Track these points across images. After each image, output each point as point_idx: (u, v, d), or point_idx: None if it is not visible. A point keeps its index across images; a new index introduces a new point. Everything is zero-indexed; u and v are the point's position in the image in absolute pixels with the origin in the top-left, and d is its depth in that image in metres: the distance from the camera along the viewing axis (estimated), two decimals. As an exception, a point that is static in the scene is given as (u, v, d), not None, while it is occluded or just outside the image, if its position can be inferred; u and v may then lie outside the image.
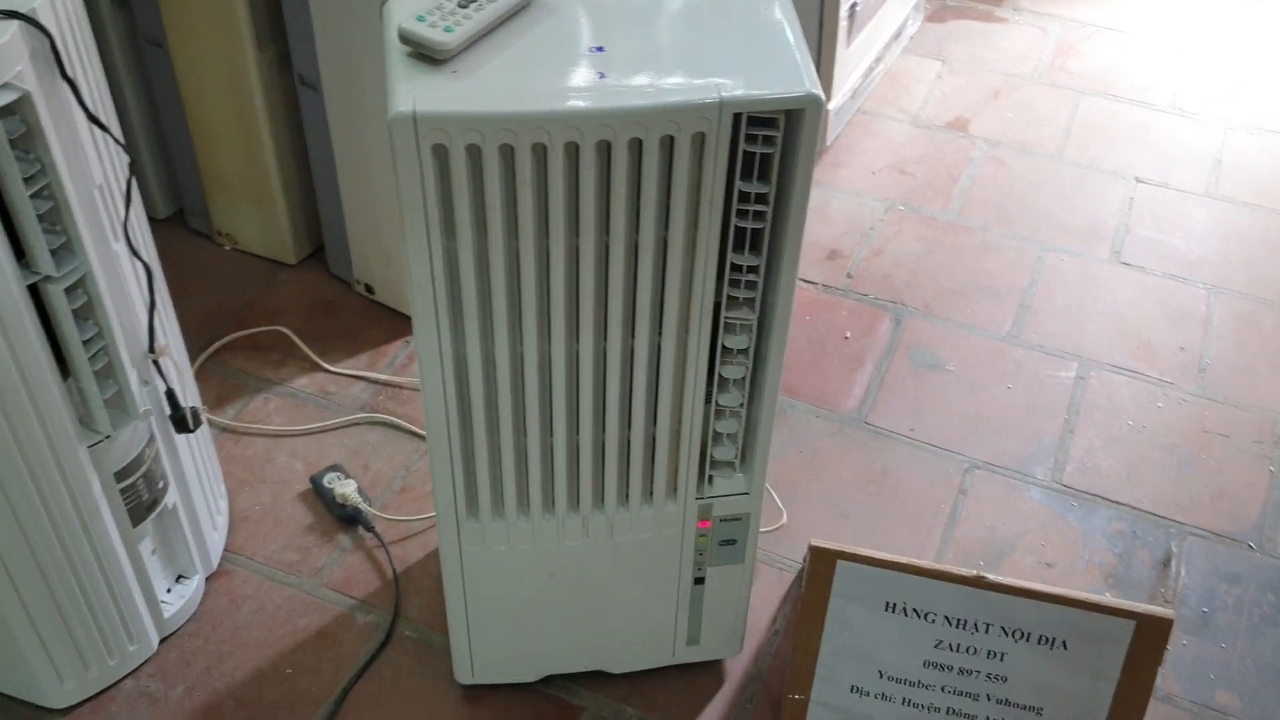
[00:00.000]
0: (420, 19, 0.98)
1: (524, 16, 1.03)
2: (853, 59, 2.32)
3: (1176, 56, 2.70)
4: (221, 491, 1.67)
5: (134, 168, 1.23)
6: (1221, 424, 1.87)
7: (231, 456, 1.77)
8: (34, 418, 1.19)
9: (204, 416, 1.52)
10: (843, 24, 2.16)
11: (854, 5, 2.18)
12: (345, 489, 1.68)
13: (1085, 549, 1.68)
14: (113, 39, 1.93)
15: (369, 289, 2.03)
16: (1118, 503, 1.75)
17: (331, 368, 1.92)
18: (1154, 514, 1.73)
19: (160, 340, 1.34)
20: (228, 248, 2.13)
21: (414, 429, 1.82)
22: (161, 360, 1.34)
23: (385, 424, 1.83)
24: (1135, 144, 2.43)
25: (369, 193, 1.88)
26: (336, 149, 1.87)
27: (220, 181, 2.04)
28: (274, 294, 2.06)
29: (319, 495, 1.71)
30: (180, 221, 2.17)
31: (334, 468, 1.73)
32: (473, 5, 1.00)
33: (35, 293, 1.15)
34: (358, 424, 1.83)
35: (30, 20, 1.05)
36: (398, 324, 2.01)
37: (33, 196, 1.08)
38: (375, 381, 1.90)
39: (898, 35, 2.59)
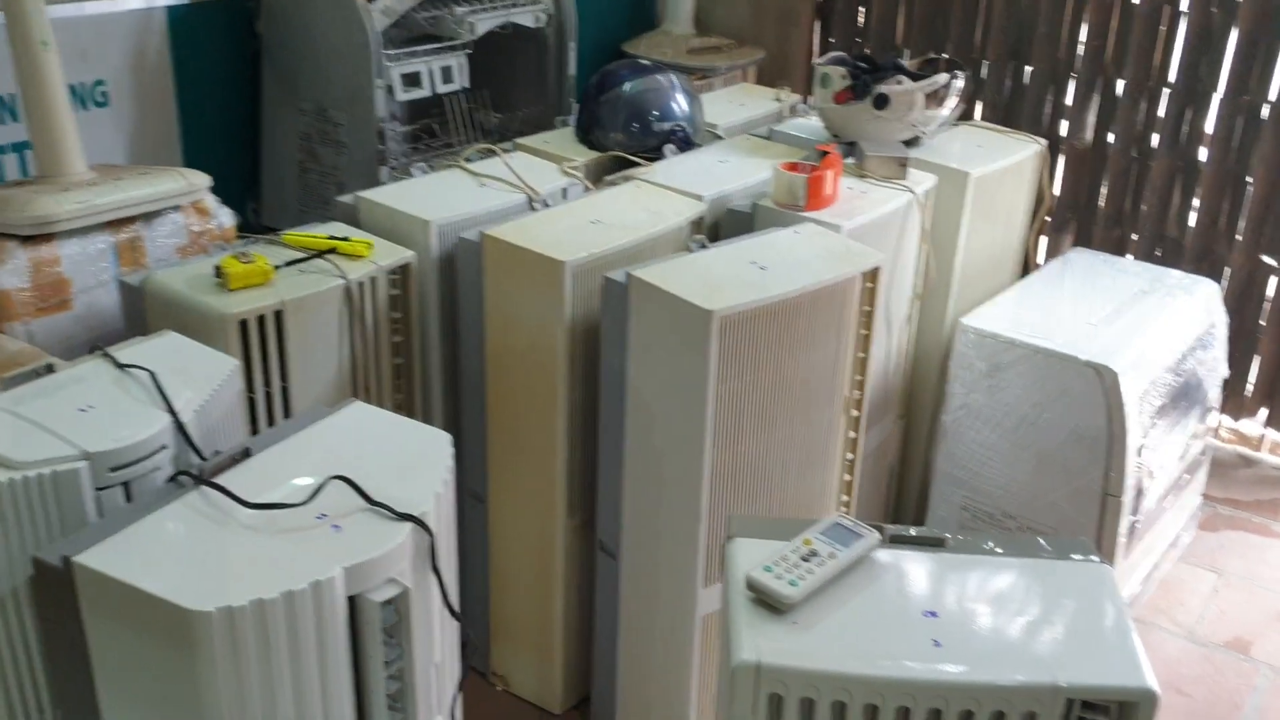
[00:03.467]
0: (767, 569, 1.07)
1: (860, 571, 1.11)
2: (1129, 571, 2.30)
3: None
4: None
5: (465, 649, 1.34)
6: None
7: None
8: None
9: None
10: (1121, 540, 2.16)
11: (1135, 522, 2.19)
12: None
13: None
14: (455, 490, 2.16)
15: (626, 749, 2.05)
16: None
17: (582, 831, 1.90)
18: None
19: (453, 809, 1.38)
20: (499, 688, 2.22)
21: None
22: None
23: None
24: None
25: (646, 657, 1.95)
26: (622, 614, 1.97)
27: (506, 626, 2.16)
28: (535, 741, 2.10)
29: None
30: (461, 657, 2.28)
31: None
32: (814, 560, 1.09)
33: (365, 760, 1.23)
34: None
35: (420, 523, 1.20)
36: (649, 790, 2.00)
37: (387, 679, 1.19)
38: None
39: (1174, 544, 2.56)
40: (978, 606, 1.07)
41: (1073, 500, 2.15)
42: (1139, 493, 2.18)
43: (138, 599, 1.06)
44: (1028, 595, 1.09)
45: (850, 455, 1.93)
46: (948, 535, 1.16)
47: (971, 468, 2.26)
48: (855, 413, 1.90)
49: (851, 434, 1.91)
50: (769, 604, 1.06)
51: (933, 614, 1.06)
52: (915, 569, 1.12)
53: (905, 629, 1.04)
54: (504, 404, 1.99)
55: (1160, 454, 2.24)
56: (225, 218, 2.16)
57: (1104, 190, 3.04)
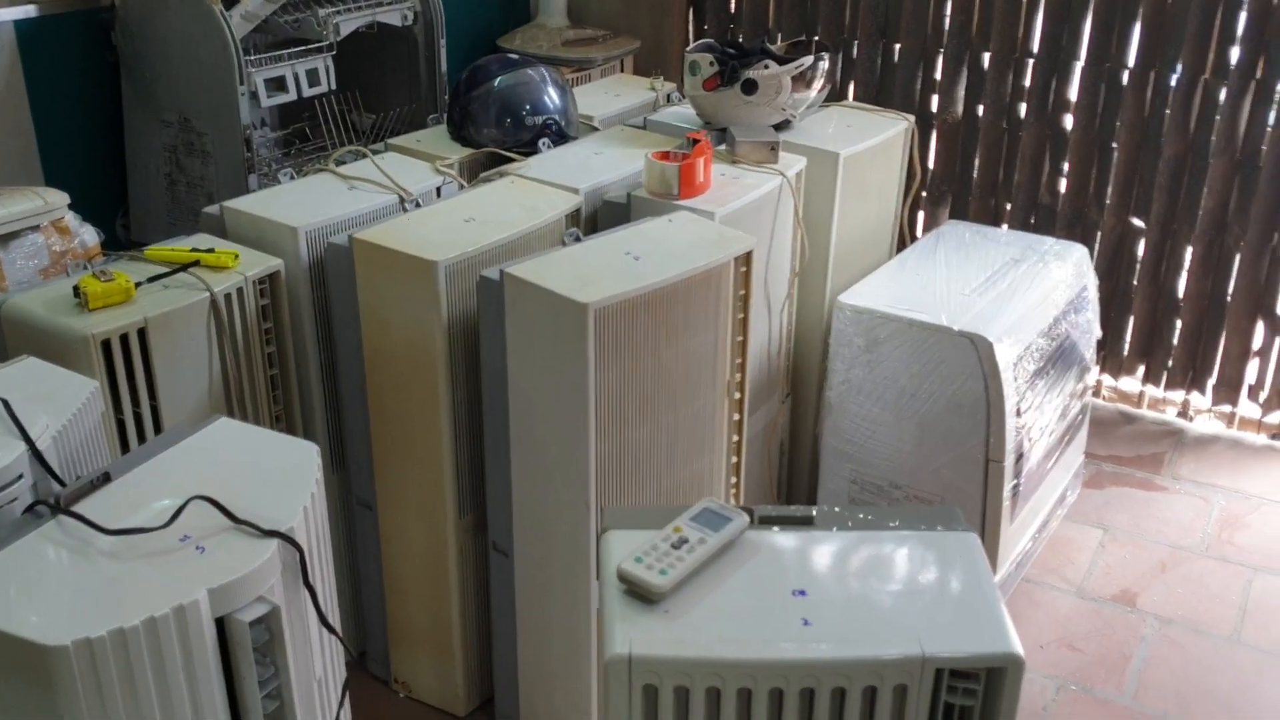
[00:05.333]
0: (638, 560, 1.07)
1: (731, 555, 1.12)
2: (1017, 532, 2.36)
3: (1351, 533, 2.66)
4: None
5: (351, 665, 1.32)
6: None
7: None
8: None
9: None
10: (1006, 503, 2.22)
11: (1018, 484, 2.25)
12: None
13: None
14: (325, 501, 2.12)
15: (533, 746, 2.05)
16: None
17: (491, 832, 1.90)
18: None
19: (348, 823, 1.37)
20: (402, 695, 2.20)
21: None
22: (346, 843, 1.37)
23: None
24: (1319, 627, 2.35)
25: (546, 654, 1.94)
26: (519, 611, 1.96)
27: (404, 633, 2.14)
28: (440, 746, 2.08)
29: None
30: (361, 666, 2.26)
31: None
32: (684, 548, 1.09)
33: (248, 782, 1.21)
34: None
35: (288, 539, 1.18)
36: (559, 786, 2.00)
37: (263, 698, 1.16)
38: None
39: (1060, 502, 2.63)
40: (846, 582, 1.09)
41: (956, 467, 2.20)
42: (1020, 456, 2.24)
43: (-8, 637, 1.02)
44: (895, 567, 1.11)
45: (736, 437, 1.95)
46: (815, 512, 1.18)
47: (857, 441, 2.30)
48: (738, 395, 1.91)
49: (735, 416, 1.93)
50: (641, 595, 1.07)
51: (802, 593, 1.07)
52: (785, 548, 1.14)
53: (775, 610, 1.06)
54: (386, 408, 1.97)
55: (1039, 416, 2.30)
56: (88, 235, 2.09)
57: (977, 162, 3.11)
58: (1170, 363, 3.07)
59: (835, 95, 2.95)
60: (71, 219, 2.08)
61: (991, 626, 1.03)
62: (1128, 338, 3.10)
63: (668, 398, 1.79)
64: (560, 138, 2.32)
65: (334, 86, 2.62)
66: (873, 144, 2.38)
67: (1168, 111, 2.83)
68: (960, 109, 3.09)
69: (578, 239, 1.87)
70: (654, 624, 1.04)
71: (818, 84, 2.33)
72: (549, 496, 1.82)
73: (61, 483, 1.29)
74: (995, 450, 2.16)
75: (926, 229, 3.18)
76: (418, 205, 2.04)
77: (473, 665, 2.12)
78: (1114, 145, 2.93)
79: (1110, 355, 3.13)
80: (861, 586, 1.09)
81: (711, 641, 1.02)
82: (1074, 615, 2.40)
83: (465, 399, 1.91)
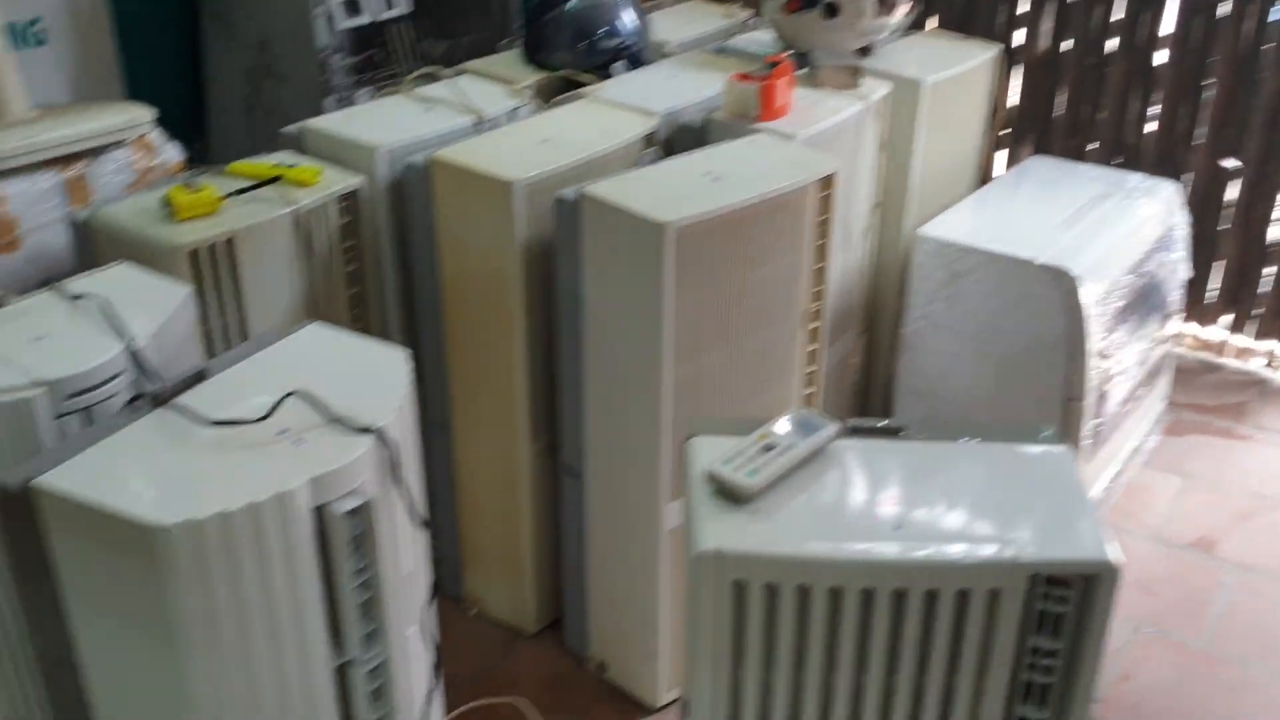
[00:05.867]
0: (727, 462, 1.07)
1: (821, 461, 1.11)
2: (1093, 475, 2.33)
3: None
4: None
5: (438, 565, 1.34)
6: None
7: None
8: (315, 795, 1.24)
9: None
10: (1085, 443, 2.19)
11: (1098, 425, 2.22)
12: None
13: None
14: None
15: (602, 667, 2.07)
16: None
17: (562, 749, 1.93)
18: None
19: (433, 718, 1.40)
20: (472, 612, 2.23)
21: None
22: (427, 741, 1.40)
23: (611, 815, 1.81)
24: (1403, 578, 2.30)
25: (615, 576, 1.96)
26: (589, 533, 1.98)
27: (476, 552, 2.17)
28: (512, 663, 2.12)
29: None
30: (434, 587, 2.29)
31: None
32: (774, 452, 1.09)
33: (339, 670, 1.23)
34: (584, 812, 1.82)
35: (382, 436, 1.19)
36: (627, 705, 2.02)
37: (356, 588, 1.19)
38: (603, 767, 1.90)
39: (1138, 449, 2.59)
40: (939, 490, 1.08)
41: (1035, 406, 2.18)
42: (1101, 396, 2.20)
43: (101, 518, 1.05)
44: (989, 477, 1.10)
45: (811, 368, 1.94)
46: (907, 424, 1.17)
47: (934, 378, 2.28)
48: (815, 324, 1.90)
49: (812, 346, 1.92)
50: (729, 495, 1.07)
51: (894, 498, 1.07)
52: (876, 457, 1.13)
53: (867, 514, 1.05)
54: (462, 330, 1.98)
55: (1122, 357, 2.26)
56: (171, 153, 2.12)
57: (1061, 98, 3.03)
58: (1258, 311, 2.99)
59: (917, 25, 2.88)
60: (156, 136, 2.10)
61: (1088, 535, 1.02)
62: (1214, 285, 3.02)
63: (744, 323, 1.78)
64: (635, 61, 2.30)
65: (409, 11, 2.62)
66: (958, 72, 2.33)
67: (1267, 46, 2.73)
68: (1046, 42, 3.01)
69: (655, 160, 1.86)
70: (743, 522, 1.04)
71: (901, 9, 2.28)
72: (622, 420, 1.82)
73: (157, 383, 1.32)
74: (1075, 389, 2.13)
75: (1007, 167, 3.11)
76: (494, 127, 2.04)
77: (542, 585, 2.15)
78: (1208, 82, 2.84)
79: (1194, 302, 3.05)
80: (954, 494, 1.08)
81: (802, 540, 1.02)
82: (1151, 560, 2.37)
83: (540, 322, 1.92)
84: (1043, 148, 3.08)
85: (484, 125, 2.04)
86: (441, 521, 2.21)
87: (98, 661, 1.16)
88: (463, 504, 2.15)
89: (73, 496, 1.07)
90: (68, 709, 1.23)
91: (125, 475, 1.10)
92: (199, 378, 1.27)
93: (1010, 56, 3.02)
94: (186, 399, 1.22)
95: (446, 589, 2.27)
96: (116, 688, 1.17)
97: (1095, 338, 2.11)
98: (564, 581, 2.10)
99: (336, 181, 1.84)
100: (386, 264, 1.99)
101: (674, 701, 2.02)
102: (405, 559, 1.30)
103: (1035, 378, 2.15)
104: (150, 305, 1.42)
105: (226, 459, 1.13)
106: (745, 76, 2.00)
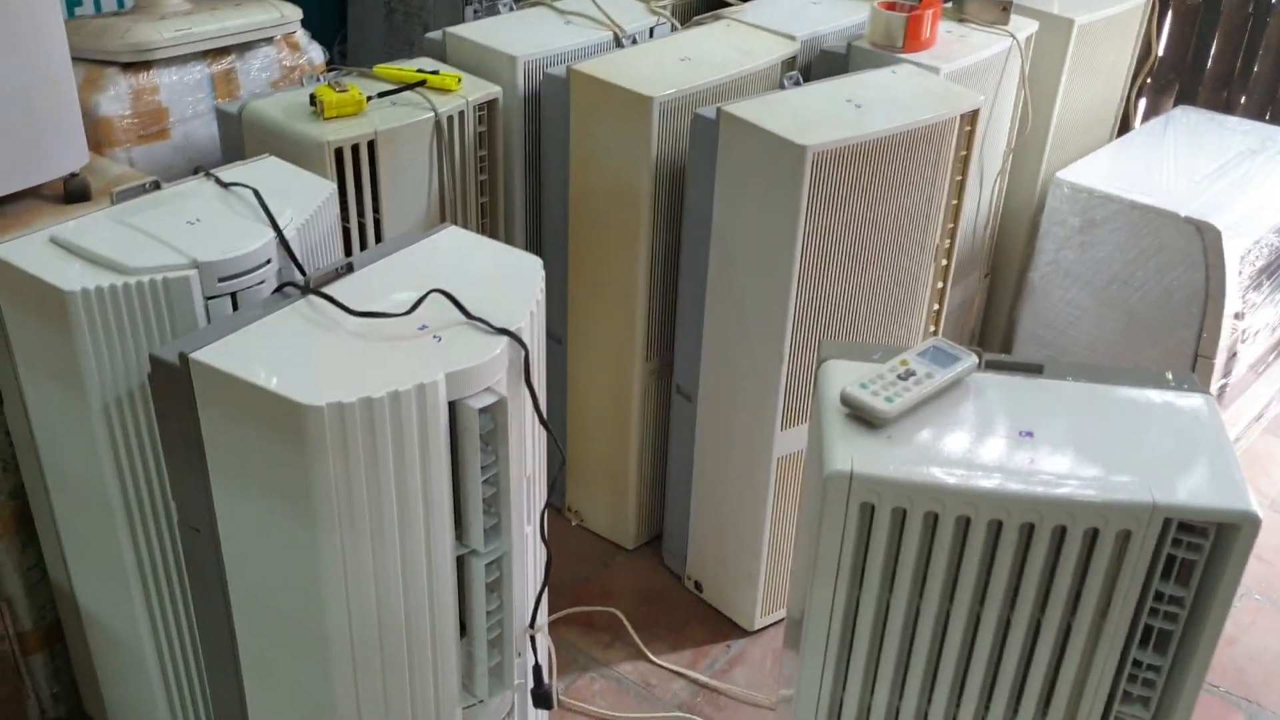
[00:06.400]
0: (863, 386, 1.08)
1: (956, 393, 1.11)
2: (1214, 435, 2.27)
3: None
4: (545, 768, 1.72)
5: (562, 464, 1.37)
6: None
7: (556, 733, 1.83)
8: (430, 675, 1.30)
9: (559, 697, 1.60)
10: (1210, 402, 2.13)
11: (1225, 385, 2.16)
12: (661, 790, 1.69)
13: None
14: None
15: (698, 586, 2.10)
16: None
17: (656, 658, 1.97)
18: None
19: (540, 618, 1.44)
20: (574, 524, 2.28)
21: (730, 740, 1.82)
22: (537, 637, 1.44)
23: (702, 728, 1.85)
24: None
25: (721, 500, 1.98)
26: (698, 455, 2.00)
27: (583, 464, 2.21)
28: (610, 575, 2.16)
29: (633, 790, 1.73)
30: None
31: (650, 764, 1.76)
32: (912, 379, 1.09)
33: (458, 562, 1.28)
34: (675, 723, 1.86)
35: (516, 338, 1.22)
36: (721, 625, 2.06)
37: (482, 483, 1.22)
38: (696, 682, 1.94)
39: (1259, 416, 2.52)
40: (1076, 428, 1.07)
41: (1162, 361, 2.12)
42: (1232, 356, 2.14)
43: (252, 394, 1.10)
44: (1128, 419, 1.09)
45: (936, 306, 1.92)
46: (1046, 362, 1.16)
47: (1058, 327, 2.23)
48: (945, 261, 1.87)
49: (940, 284, 1.89)
50: (863, 419, 1.07)
51: (1029, 434, 1.06)
52: (1013, 392, 1.12)
53: (1000, 446, 1.05)
54: (586, 245, 2.00)
55: (1257, 318, 2.19)
56: (316, 53, 2.16)
57: (1213, 49, 2.91)
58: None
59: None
60: (301, 36, 2.14)
61: (1228, 483, 1.00)
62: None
63: (874, 254, 1.77)
64: (778, -15, 2.26)
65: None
66: (1110, 14, 2.25)
67: None
68: (1200, -9, 2.88)
69: (798, 83, 1.84)
70: (876, 446, 1.05)
71: (1057, -55, 2.21)
72: (740, 345, 1.83)
73: (304, 272, 1.36)
74: (1207, 346, 2.07)
75: (1147, 117, 3.00)
76: (633, 43, 2.04)
77: (644, 503, 2.18)
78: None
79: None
80: (1092, 433, 1.07)
81: (933, 467, 1.02)
82: (1266, 527, 2.31)
83: (664, 242, 1.93)
84: (1187, 99, 2.97)
85: (623, 40, 2.03)
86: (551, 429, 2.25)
87: (235, 531, 1.22)
88: (573, 418, 2.18)
89: (227, 372, 1.11)
90: (203, 573, 1.29)
91: (276, 357, 1.15)
92: (346, 269, 1.31)
93: (1161, 4, 2.90)
94: (332, 289, 1.26)
95: (551, 500, 2.32)
96: (251, 557, 1.23)
97: (1233, 295, 2.05)
98: (667, 501, 2.13)
99: (477, 90, 1.86)
100: (517, 175, 2.01)
101: (769, 626, 2.05)
102: (529, 459, 1.33)
103: (1165, 333, 2.10)
104: (297, 198, 1.46)
105: (370, 349, 1.17)
106: (892, 5, 1.96)
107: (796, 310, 1.73)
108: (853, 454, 1.03)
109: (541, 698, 1.46)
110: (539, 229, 2.09)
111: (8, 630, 1.65)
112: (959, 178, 1.80)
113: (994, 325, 2.51)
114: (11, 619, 1.65)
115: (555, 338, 2.15)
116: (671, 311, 1.97)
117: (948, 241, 1.85)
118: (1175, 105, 2.97)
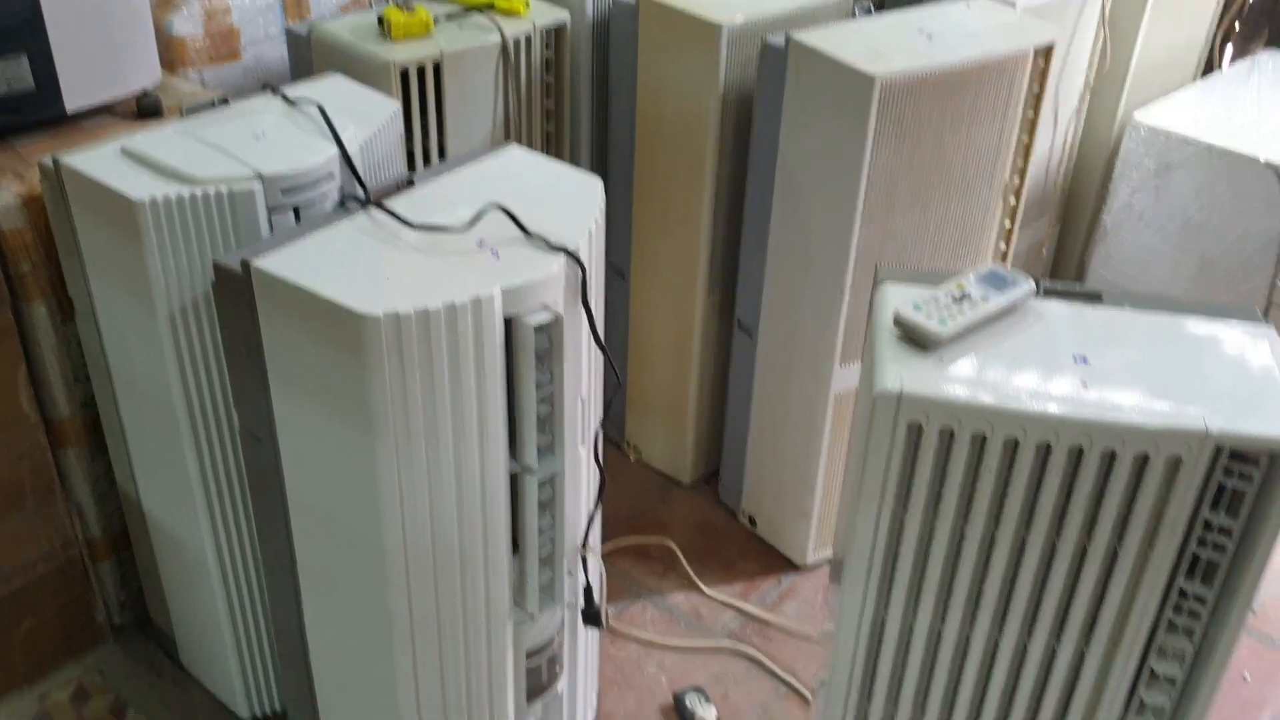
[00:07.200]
0: (917, 308, 1.07)
1: (1012, 318, 1.10)
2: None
3: None
4: (594, 686, 1.76)
5: (618, 387, 1.38)
6: None
7: (606, 655, 1.86)
8: (482, 588, 1.32)
9: (609, 617, 1.62)
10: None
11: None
12: (707, 714, 1.72)
13: None
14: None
15: (752, 521, 2.11)
16: None
17: (708, 590, 1.99)
18: None
19: (592, 540, 1.46)
20: (633, 458, 2.30)
21: (776, 669, 1.84)
22: (589, 557, 1.46)
23: (749, 658, 1.87)
24: None
25: (779, 435, 1.99)
26: (756, 391, 2.00)
27: (642, 398, 2.22)
28: (666, 509, 2.18)
29: (679, 712, 1.76)
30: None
31: (697, 689, 1.78)
32: (965, 302, 1.08)
33: (512, 480, 1.30)
34: (723, 651, 1.88)
35: (574, 256, 1.23)
36: (774, 560, 2.07)
37: (538, 401, 1.24)
38: (746, 613, 1.95)
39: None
40: (1131, 354, 1.05)
41: (1234, 309, 2.08)
42: (1307, 306, 2.08)
43: (311, 303, 1.12)
44: (1184, 348, 1.07)
45: (1004, 247, 1.89)
46: (1104, 290, 1.14)
47: (1128, 273, 2.19)
48: (1014, 201, 1.84)
49: (1008, 224, 1.86)
50: (916, 341, 1.07)
51: (1084, 359, 1.04)
52: (1069, 318, 1.11)
53: (1053, 370, 1.04)
54: (650, 176, 1.99)
55: (1335, 268, 2.13)
56: (385, -22, 2.16)
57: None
58: None
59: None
60: (373, -38, 2.15)
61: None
62: None
63: (941, 190, 1.74)
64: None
65: None
66: (1197, -50, 2.18)
67: None
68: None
69: (869, 12, 1.81)
70: (927, 367, 1.04)
71: (1146, -123, 2.13)
72: (803, 279, 1.82)
73: (366, 188, 1.38)
74: (1281, 294, 2.03)
75: (1231, 61, 2.91)
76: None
77: (702, 438, 2.19)
78: None
79: None
80: (1147, 360, 1.05)
81: (984, 389, 1.01)
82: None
83: (729, 174, 1.92)
84: (1276, 44, 2.86)
85: (691, -30, 2.01)
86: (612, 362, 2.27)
87: (294, 440, 1.25)
88: (633, 352, 2.19)
89: (288, 280, 1.14)
90: (263, 482, 1.33)
91: (336, 267, 1.17)
92: (407, 184, 1.32)
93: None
94: (393, 204, 1.28)
95: (609, 434, 2.34)
96: (309, 466, 1.26)
97: (1312, 244, 1.99)
98: (725, 437, 2.14)
99: (545, 15, 1.86)
100: (583, 104, 2.01)
101: (820, 563, 2.06)
102: (584, 381, 1.34)
103: (1238, 279, 2.05)
104: (362, 115, 1.48)
105: (428, 262, 1.19)
106: (968, -66, 1.92)
107: (859, 244, 1.72)
108: (903, 374, 1.03)
109: (591, 616, 1.49)
110: (604, 159, 2.09)
111: (78, 537, 1.72)
112: (1031, 115, 1.76)
113: (1064, 270, 2.47)
114: (81, 526, 1.72)
115: (619, 272, 2.15)
116: (735, 244, 1.97)
117: (1017, 180, 1.82)
118: (1264, 48, 2.87)
